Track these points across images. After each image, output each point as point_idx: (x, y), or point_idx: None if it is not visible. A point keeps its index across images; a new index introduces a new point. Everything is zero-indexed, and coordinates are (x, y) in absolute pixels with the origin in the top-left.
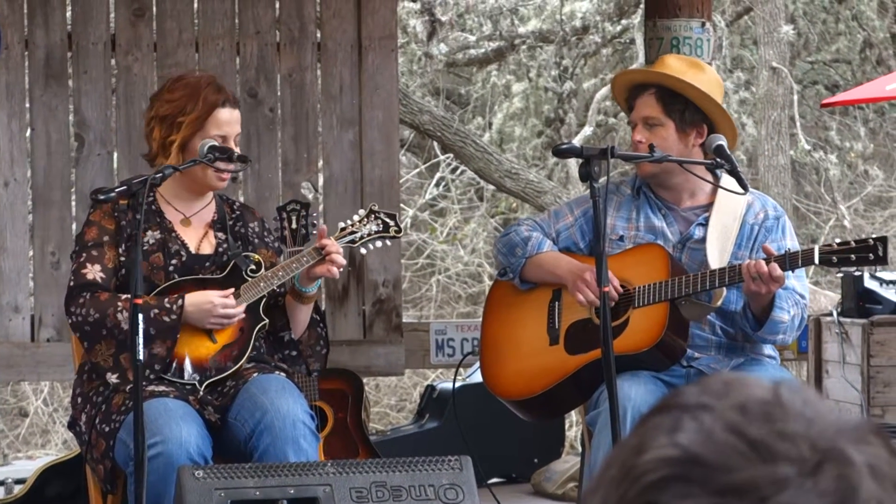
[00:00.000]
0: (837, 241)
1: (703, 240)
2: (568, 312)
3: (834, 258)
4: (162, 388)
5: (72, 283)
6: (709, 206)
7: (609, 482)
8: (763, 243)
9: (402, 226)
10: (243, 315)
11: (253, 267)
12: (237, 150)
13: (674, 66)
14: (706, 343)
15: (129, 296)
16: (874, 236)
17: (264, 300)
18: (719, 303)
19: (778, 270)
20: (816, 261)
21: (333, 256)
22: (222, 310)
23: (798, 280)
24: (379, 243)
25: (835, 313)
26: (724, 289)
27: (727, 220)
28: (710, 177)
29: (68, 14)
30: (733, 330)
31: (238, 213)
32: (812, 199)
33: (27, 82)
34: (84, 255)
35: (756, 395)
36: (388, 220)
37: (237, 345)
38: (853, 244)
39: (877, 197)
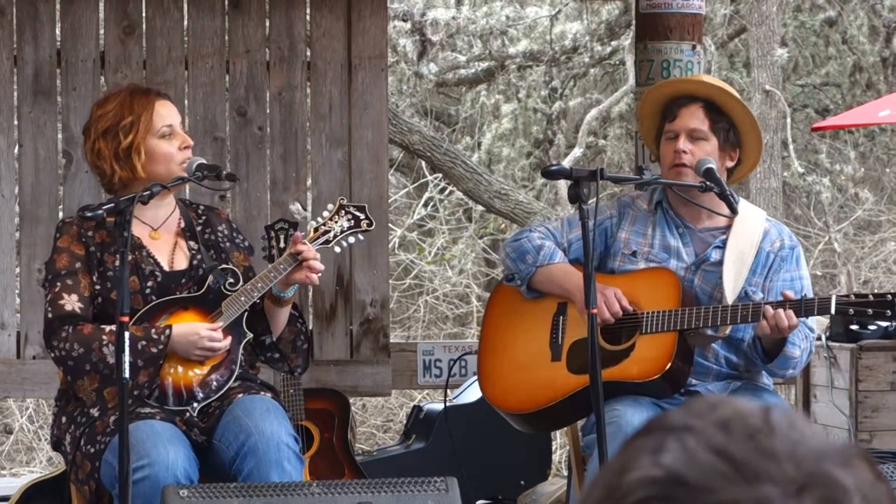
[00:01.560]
0: (855, 292)
1: (719, 263)
2: (572, 329)
3: (850, 310)
4: (148, 409)
5: (50, 315)
6: (726, 229)
7: (594, 503)
8: (777, 271)
9: (372, 218)
10: (228, 346)
11: (231, 280)
12: (190, 140)
13: (715, 84)
14: (706, 371)
15: (112, 328)
16: (893, 291)
17: (246, 313)
18: (727, 332)
19: (793, 318)
20: (832, 311)
21: (311, 263)
22: (209, 342)
23: None
24: (352, 239)
25: (823, 338)
26: None
27: (744, 245)
28: (722, 209)
29: (57, 30)
30: (737, 359)
31: (204, 217)
32: (802, 223)
33: (15, 98)
34: (59, 284)
35: (741, 417)
36: (358, 213)
37: (225, 364)
38: (871, 298)
39: (867, 221)
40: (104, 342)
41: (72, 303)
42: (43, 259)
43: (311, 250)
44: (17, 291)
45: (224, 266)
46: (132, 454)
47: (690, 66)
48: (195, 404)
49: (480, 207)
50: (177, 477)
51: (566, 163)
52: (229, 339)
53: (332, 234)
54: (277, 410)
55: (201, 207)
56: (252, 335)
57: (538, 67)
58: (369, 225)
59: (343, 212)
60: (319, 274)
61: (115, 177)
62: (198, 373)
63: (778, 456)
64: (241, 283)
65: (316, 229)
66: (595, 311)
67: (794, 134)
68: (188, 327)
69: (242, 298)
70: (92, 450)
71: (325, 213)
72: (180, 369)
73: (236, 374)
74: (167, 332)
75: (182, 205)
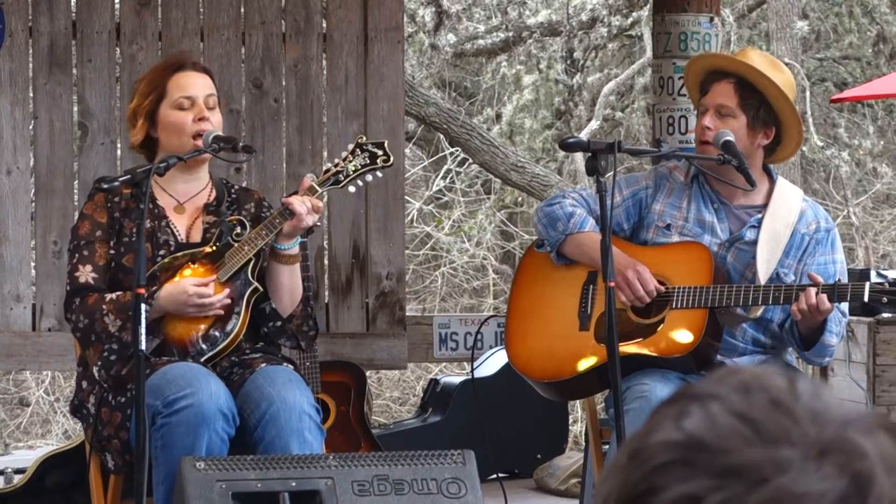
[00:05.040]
0: (891, 279)
1: (753, 242)
2: (601, 299)
3: (884, 298)
4: (175, 358)
5: (68, 288)
6: (762, 208)
7: (617, 469)
8: (812, 255)
9: (390, 153)
10: (228, 300)
11: (238, 230)
12: (213, 113)
13: (757, 61)
14: (732, 348)
15: (113, 296)
16: None
17: (257, 265)
18: (758, 314)
19: (826, 303)
20: (866, 298)
21: (294, 206)
22: (198, 300)
23: None
24: (369, 177)
25: None
26: None
27: (779, 225)
28: (741, 182)
29: (73, 2)
30: (764, 338)
31: (234, 196)
32: (819, 196)
33: (31, 70)
34: (77, 255)
35: (764, 383)
36: (375, 150)
37: (226, 315)
38: None
39: (885, 195)
40: (104, 312)
41: (85, 274)
42: (58, 231)
43: (301, 203)
44: (32, 264)
45: (232, 217)
46: (172, 387)
47: (708, 39)
48: (203, 349)
49: (499, 180)
50: (220, 406)
51: (583, 135)
52: (225, 292)
53: (342, 175)
54: (300, 381)
55: (235, 187)
56: (257, 285)
57: (557, 39)
58: (386, 161)
59: (360, 150)
60: (308, 216)
61: (134, 137)
62: (200, 326)
63: (799, 420)
64: (247, 233)
65: (327, 171)
66: (613, 284)
67: (813, 108)
68: (176, 286)
69: (245, 248)
70: (122, 399)
71: (343, 153)
72: (182, 325)
73: (242, 321)
74: (155, 295)
75: (219, 182)
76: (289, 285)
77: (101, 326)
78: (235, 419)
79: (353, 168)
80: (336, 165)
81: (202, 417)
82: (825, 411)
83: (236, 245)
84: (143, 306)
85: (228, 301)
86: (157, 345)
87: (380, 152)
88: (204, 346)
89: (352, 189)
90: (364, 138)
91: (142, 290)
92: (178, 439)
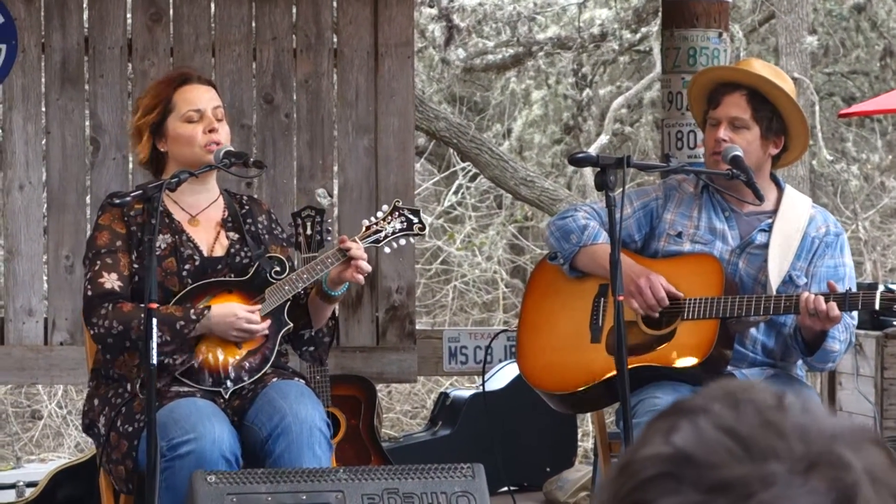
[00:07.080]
0: None
1: (764, 245)
2: (612, 312)
3: (895, 306)
4: (186, 388)
5: (90, 293)
6: (772, 213)
7: (609, 482)
8: (821, 257)
9: (425, 223)
10: (268, 329)
11: (277, 269)
12: (221, 125)
13: (762, 71)
14: (741, 357)
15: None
16: None
17: (288, 302)
18: (769, 315)
19: (836, 311)
20: (877, 306)
21: (359, 263)
22: (246, 324)
23: None
24: (403, 241)
25: None
26: None
27: (790, 229)
28: (749, 196)
29: (85, 18)
30: (773, 345)
31: (247, 207)
32: (828, 210)
33: (43, 85)
34: (98, 262)
35: (753, 398)
36: (411, 216)
37: (262, 350)
38: None
39: (893, 209)
40: (143, 320)
41: (111, 281)
42: (71, 246)
43: (360, 248)
44: (44, 278)
45: (272, 255)
46: (177, 429)
47: (717, 54)
48: (229, 384)
49: (509, 195)
50: (223, 451)
51: (592, 150)
52: (268, 322)
53: (382, 234)
54: (311, 396)
55: (245, 198)
56: (292, 325)
57: (566, 54)
58: (421, 229)
59: (397, 213)
60: (367, 274)
61: (142, 152)
62: (235, 356)
63: (786, 435)
64: (286, 272)
65: (368, 227)
66: (622, 298)
67: (821, 122)
68: (226, 308)
69: (287, 287)
70: (130, 429)
71: (380, 214)
72: (218, 350)
73: (271, 361)
74: (205, 312)
75: (227, 195)
76: (328, 315)
77: (137, 334)
78: (239, 461)
79: (392, 230)
80: (376, 223)
81: (204, 464)
82: (813, 426)
83: (277, 283)
84: (154, 322)
85: (267, 332)
86: (189, 369)
87: (415, 220)
88: (235, 376)
89: (387, 250)
90: (400, 202)
91: (153, 305)
92: (180, 482)
